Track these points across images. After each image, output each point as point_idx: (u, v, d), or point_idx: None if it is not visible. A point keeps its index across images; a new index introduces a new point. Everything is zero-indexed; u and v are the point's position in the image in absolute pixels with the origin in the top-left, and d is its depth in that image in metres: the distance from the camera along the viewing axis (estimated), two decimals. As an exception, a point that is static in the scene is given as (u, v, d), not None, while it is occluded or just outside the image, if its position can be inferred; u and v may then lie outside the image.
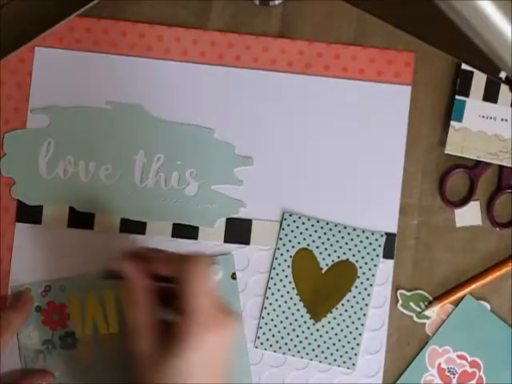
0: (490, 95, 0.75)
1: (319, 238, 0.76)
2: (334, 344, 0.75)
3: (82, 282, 0.75)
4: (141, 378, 0.63)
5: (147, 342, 0.63)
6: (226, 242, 0.76)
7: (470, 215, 0.77)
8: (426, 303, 0.76)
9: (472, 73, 0.75)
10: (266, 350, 0.75)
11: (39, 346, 0.75)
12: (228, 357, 0.64)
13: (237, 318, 0.65)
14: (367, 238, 0.75)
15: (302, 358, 0.75)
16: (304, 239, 0.76)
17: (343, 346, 0.75)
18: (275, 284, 0.76)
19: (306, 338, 0.75)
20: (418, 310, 0.76)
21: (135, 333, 0.64)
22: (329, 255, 0.76)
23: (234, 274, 0.75)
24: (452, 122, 0.75)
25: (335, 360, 0.75)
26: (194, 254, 0.65)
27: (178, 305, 0.63)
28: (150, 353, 0.63)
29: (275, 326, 0.75)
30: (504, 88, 0.75)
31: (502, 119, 0.75)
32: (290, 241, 0.76)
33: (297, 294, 0.75)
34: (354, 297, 0.75)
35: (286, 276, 0.75)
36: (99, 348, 0.75)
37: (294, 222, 0.76)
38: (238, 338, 0.66)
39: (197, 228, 0.76)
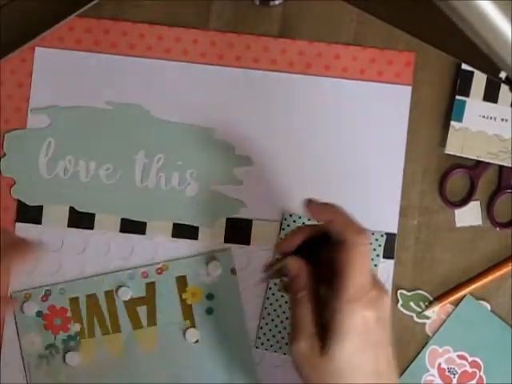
0: (490, 95, 0.75)
1: (319, 237, 0.75)
2: (334, 344, 0.75)
3: (81, 285, 0.75)
4: (303, 380, 0.60)
5: (308, 341, 0.59)
6: (226, 241, 0.76)
7: (470, 215, 0.76)
8: (426, 303, 0.76)
9: (472, 73, 0.75)
10: (266, 350, 0.75)
11: (42, 350, 0.75)
12: (388, 335, 0.60)
13: (387, 292, 0.61)
14: (367, 237, 0.75)
15: (302, 357, 0.75)
16: (304, 239, 0.75)
17: (343, 346, 0.75)
18: (275, 284, 0.75)
19: (306, 337, 0.75)
20: (418, 309, 0.76)
21: (296, 332, 0.60)
22: (329, 255, 0.75)
23: (234, 269, 0.75)
24: (452, 122, 0.75)
25: (335, 360, 0.75)
26: (359, 225, 0.60)
27: (334, 283, 0.59)
28: (310, 352, 0.59)
29: (276, 326, 0.75)
30: (504, 88, 0.75)
31: (502, 119, 0.75)
32: (290, 241, 0.75)
33: (297, 294, 0.75)
34: (354, 297, 0.75)
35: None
36: (102, 350, 0.75)
37: (294, 222, 0.75)
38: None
39: (197, 228, 0.76)
